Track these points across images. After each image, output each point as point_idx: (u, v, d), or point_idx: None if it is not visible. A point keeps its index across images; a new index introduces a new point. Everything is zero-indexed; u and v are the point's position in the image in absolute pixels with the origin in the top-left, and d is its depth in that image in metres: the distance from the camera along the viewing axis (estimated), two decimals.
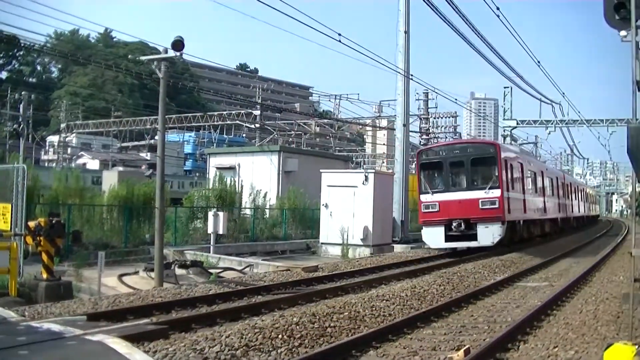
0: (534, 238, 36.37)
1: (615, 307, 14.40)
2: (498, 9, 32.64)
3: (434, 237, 29.46)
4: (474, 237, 28.72)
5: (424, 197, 29.80)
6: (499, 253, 28.58)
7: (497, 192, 28.55)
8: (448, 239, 29.02)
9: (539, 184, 38.01)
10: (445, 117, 71.78)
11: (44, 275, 17.55)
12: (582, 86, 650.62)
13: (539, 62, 42.51)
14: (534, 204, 35.94)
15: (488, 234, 28.47)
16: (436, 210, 29.19)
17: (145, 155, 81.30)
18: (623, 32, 11.84)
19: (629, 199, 76.24)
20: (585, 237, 45.93)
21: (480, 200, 28.59)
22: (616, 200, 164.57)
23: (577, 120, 57.09)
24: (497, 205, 28.50)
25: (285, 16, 23.78)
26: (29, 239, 17.80)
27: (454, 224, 28.58)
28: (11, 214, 18.77)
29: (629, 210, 63.53)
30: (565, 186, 48.28)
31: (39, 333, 10.94)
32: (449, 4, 29.37)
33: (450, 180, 30.01)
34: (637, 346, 6.15)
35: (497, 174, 28.93)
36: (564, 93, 59.37)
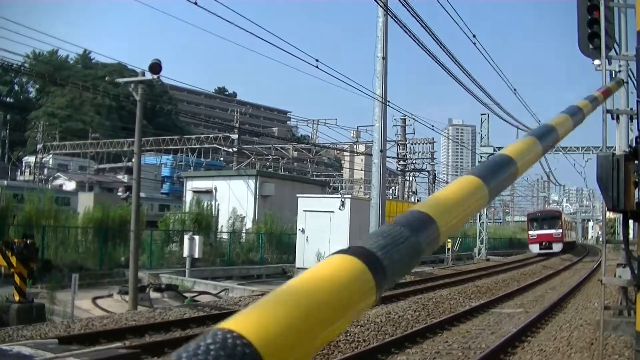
0: (572, 249, 73.01)
1: (589, 334, 14.46)
2: (474, 36, 32.75)
3: (534, 249, 63.98)
4: (551, 248, 61.85)
5: (530, 232, 66.44)
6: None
7: (560, 230, 64.12)
8: (540, 249, 62.41)
9: (567, 224, 74.09)
10: (423, 144, 72.14)
11: (16, 298, 17.30)
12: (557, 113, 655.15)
13: (515, 89, 42.70)
14: (568, 234, 72.50)
15: (557, 247, 62.61)
16: (535, 237, 64.61)
17: (122, 177, 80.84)
18: (597, 62, 11.99)
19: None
20: (560, 264, 46.16)
21: (553, 233, 63.44)
22: (592, 227, 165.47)
23: (553, 148, 57.56)
24: (560, 236, 63.76)
25: (263, 41, 23.85)
26: (1, 260, 17.57)
27: (543, 243, 62.92)
28: None
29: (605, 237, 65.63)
30: (569, 223, 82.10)
31: (9, 356, 10.80)
32: (426, 31, 29.48)
33: (541, 225, 65.16)
34: None
35: (560, 223, 65.12)
36: (539, 120, 59.57)
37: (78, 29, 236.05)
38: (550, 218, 66.58)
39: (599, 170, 9.23)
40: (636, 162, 9.05)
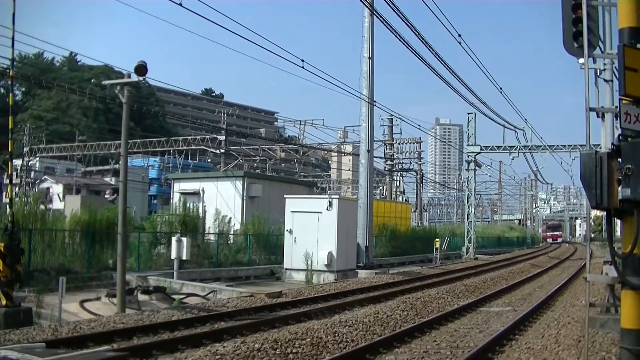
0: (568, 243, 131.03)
1: (577, 332, 14.50)
2: (460, 35, 32.83)
3: (549, 240, 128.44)
4: (557, 240, 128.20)
5: (548, 233, 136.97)
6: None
7: (561, 232, 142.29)
8: (552, 241, 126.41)
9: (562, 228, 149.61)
10: (410, 143, 72.30)
11: (3, 302, 17.14)
12: (545, 112, 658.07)
13: (501, 88, 42.82)
14: (565, 234, 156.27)
15: (560, 240, 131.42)
16: (550, 235, 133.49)
17: (110, 179, 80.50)
18: (581, 60, 12.04)
19: (592, 223, 77.79)
20: (548, 262, 46.27)
21: (558, 234, 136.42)
22: (579, 224, 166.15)
23: (540, 146, 57.45)
24: (561, 235, 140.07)
25: (250, 42, 23.83)
26: None
27: (553, 238, 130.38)
28: None
29: (592, 235, 65.16)
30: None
31: None
32: (412, 31, 29.53)
33: (552, 230, 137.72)
34: None
35: (561, 227, 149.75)
36: (526, 119, 59.87)
37: (64, 32, 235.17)
38: (557, 226, 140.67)
39: (582, 168, 9.27)
40: (619, 159, 9.10)
